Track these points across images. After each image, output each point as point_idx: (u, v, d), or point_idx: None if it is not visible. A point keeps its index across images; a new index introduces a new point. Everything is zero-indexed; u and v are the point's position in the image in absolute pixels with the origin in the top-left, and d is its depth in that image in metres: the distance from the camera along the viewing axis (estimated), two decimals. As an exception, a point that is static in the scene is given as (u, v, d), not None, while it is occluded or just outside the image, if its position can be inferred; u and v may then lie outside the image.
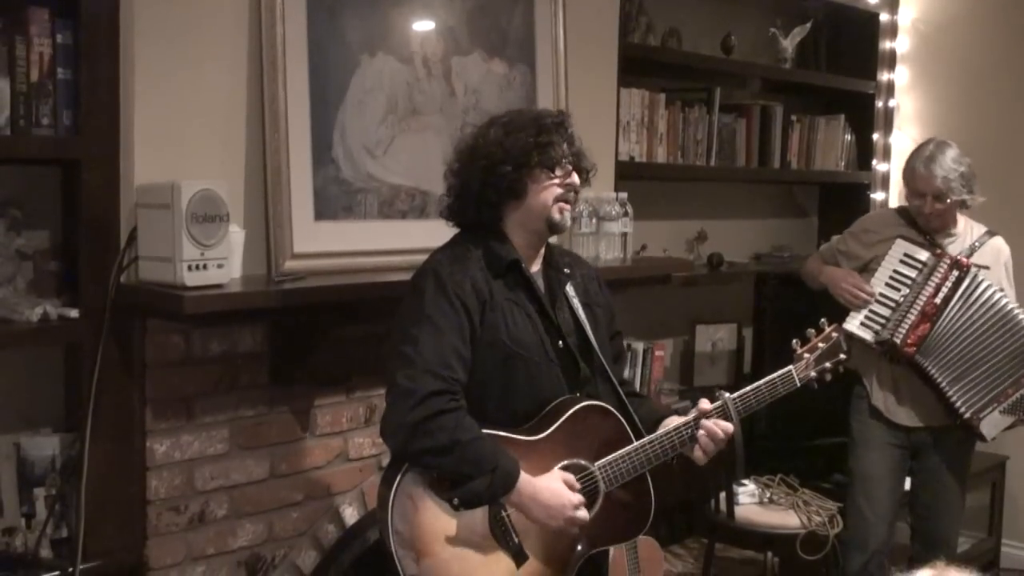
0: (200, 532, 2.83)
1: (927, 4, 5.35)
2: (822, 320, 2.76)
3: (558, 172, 2.48)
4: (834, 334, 2.71)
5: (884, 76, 5.38)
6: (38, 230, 2.63)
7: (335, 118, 2.97)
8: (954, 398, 3.54)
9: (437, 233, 3.20)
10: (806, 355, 2.67)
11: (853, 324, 3.62)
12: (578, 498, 2.39)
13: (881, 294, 3.61)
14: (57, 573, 2.53)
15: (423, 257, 3.11)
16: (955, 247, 3.64)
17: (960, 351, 3.52)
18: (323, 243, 2.93)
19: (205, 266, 2.54)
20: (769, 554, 4.03)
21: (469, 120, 3.29)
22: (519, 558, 2.40)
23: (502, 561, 2.40)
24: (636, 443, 2.50)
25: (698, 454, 2.53)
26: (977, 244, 3.64)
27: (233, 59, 2.80)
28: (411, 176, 3.16)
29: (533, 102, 3.48)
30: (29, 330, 2.48)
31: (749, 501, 4.10)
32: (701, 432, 2.51)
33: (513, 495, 2.35)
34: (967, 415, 3.54)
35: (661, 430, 2.53)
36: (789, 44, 4.94)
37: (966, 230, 3.70)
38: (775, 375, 2.65)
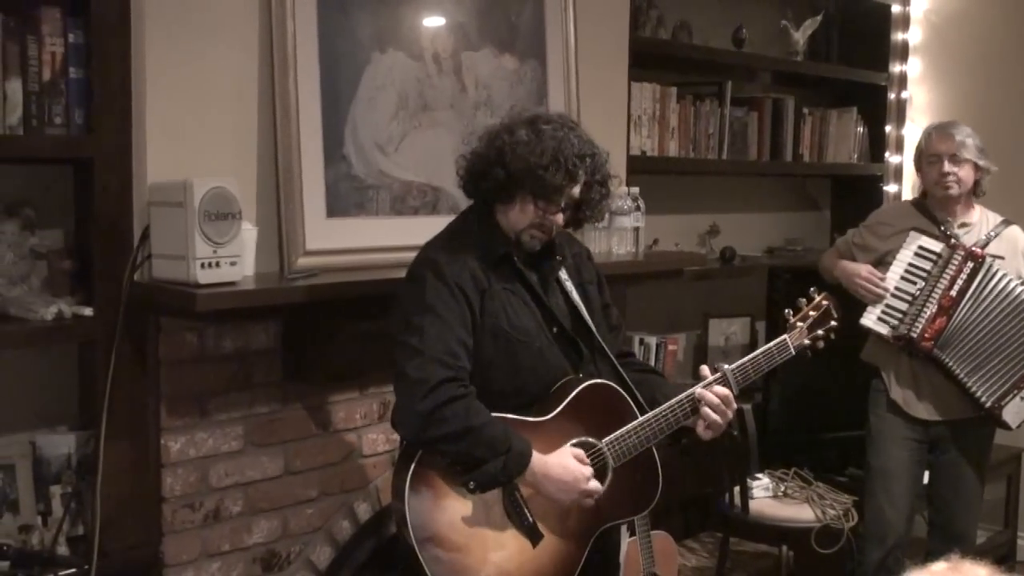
0: (215, 529, 2.84)
1: (939, -5, 5.33)
2: (812, 288, 2.82)
3: (543, 205, 2.49)
4: (824, 302, 2.78)
5: (896, 68, 5.36)
6: (52, 229, 2.64)
7: (346, 115, 2.97)
8: (974, 388, 3.53)
9: (449, 229, 3.21)
10: (799, 324, 2.74)
11: (870, 319, 3.61)
12: (589, 471, 2.43)
13: (897, 288, 3.59)
14: (74, 570, 2.53)
15: (435, 254, 3.11)
16: (970, 237, 3.63)
17: (977, 342, 3.51)
18: (335, 240, 2.93)
19: (218, 264, 2.55)
20: (784, 548, 4.02)
21: (480, 116, 3.29)
22: (534, 536, 2.43)
23: (517, 540, 2.43)
24: (641, 418, 2.53)
25: (701, 428, 2.55)
26: (992, 234, 3.63)
27: (244, 56, 2.81)
28: (423, 172, 3.16)
29: (544, 97, 3.48)
30: (44, 329, 2.49)
31: (763, 495, 4.09)
32: (704, 405, 2.53)
33: (527, 474, 2.38)
34: (988, 404, 3.54)
35: (665, 404, 2.55)
36: (800, 37, 4.93)
37: (981, 219, 3.70)
38: (771, 344, 2.71)
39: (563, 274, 2.61)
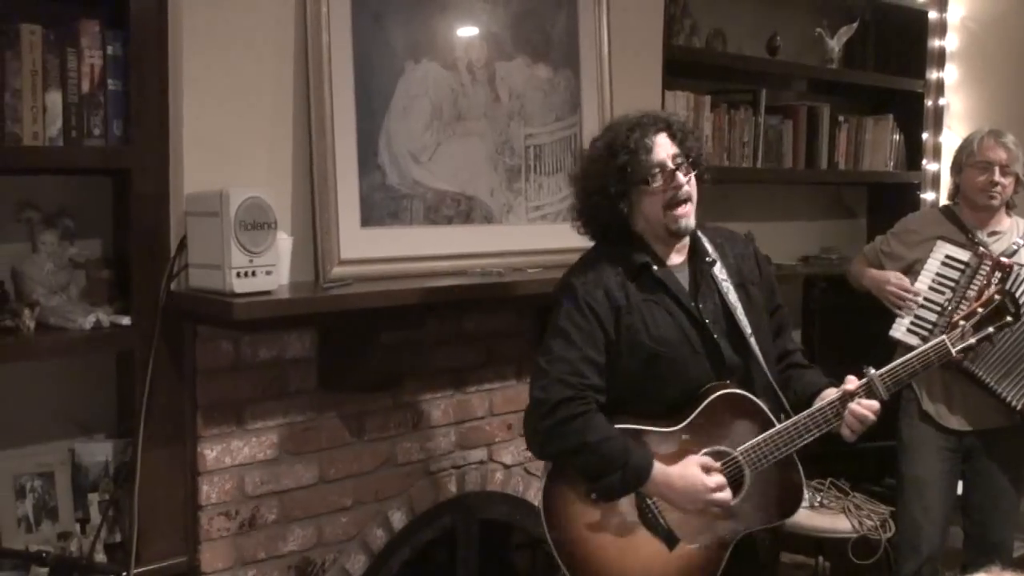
0: (251, 537, 2.85)
1: (976, 1, 5.28)
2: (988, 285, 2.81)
3: (653, 184, 2.50)
4: (996, 296, 2.69)
5: (933, 75, 5.31)
6: (90, 239, 2.68)
7: (380, 125, 2.98)
8: (1004, 394, 3.49)
9: (483, 238, 3.23)
10: (962, 323, 2.67)
11: (900, 330, 3.58)
12: (714, 481, 2.45)
13: (925, 298, 3.56)
14: (111, 577, 2.57)
15: (469, 262, 3.15)
16: (1000, 244, 3.60)
17: (1006, 349, 3.47)
18: (370, 249, 2.95)
19: (254, 273, 2.57)
20: (820, 558, 3.99)
21: (514, 125, 3.30)
22: (670, 541, 2.48)
23: (655, 545, 2.48)
24: (777, 427, 2.53)
25: (845, 431, 2.56)
26: (1022, 241, 3.59)
27: (279, 67, 2.83)
28: (456, 182, 3.17)
29: (577, 107, 3.48)
30: (82, 338, 2.52)
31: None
32: (847, 413, 2.52)
33: (649, 485, 2.44)
34: (1020, 407, 3.50)
35: (804, 412, 2.55)
36: (836, 44, 4.90)
37: (1012, 227, 3.67)
38: (927, 346, 2.66)
39: (721, 274, 2.61)
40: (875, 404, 2.55)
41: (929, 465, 3.67)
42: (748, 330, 2.57)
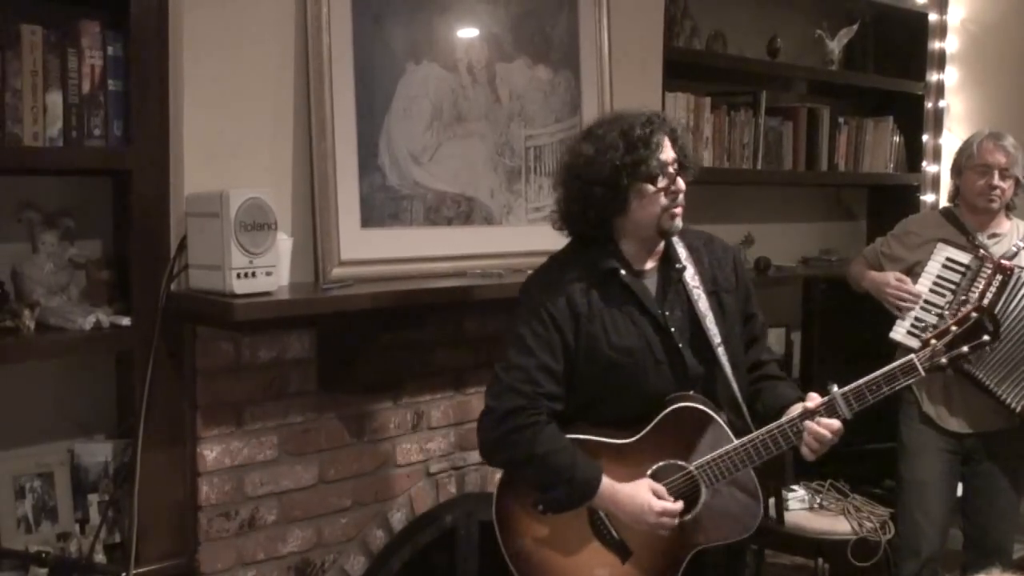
0: (250, 537, 2.85)
1: (976, 3, 5.28)
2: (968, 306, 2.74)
3: (660, 183, 2.46)
4: (974, 314, 2.55)
5: (933, 77, 5.32)
6: (90, 239, 2.68)
7: (381, 126, 2.99)
8: (1004, 396, 3.49)
9: (483, 239, 3.23)
10: (933, 341, 2.54)
11: (900, 332, 3.57)
12: (659, 505, 2.41)
13: (926, 300, 3.55)
14: (110, 578, 2.57)
15: (469, 263, 3.15)
16: (1001, 247, 3.60)
17: (1006, 352, 3.47)
18: (370, 250, 2.95)
19: (254, 274, 2.57)
20: (820, 560, 3.99)
21: (514, 126, 3.30)
22: (622, 552, 2.48)
23: (607, 555, 2.48)
24: (734, 443, 2.46)
25: (804, 450, 2.49)
26: (1022, 243, 3.60)
27: (280, 68, 2.83)
28: (456, 183, 3.17)
29: (578, 108, 3.48)
30: (82, 338, 2.52)
31: (799, 507, 4.05)
32: (806, 432, 2.45)
33: (596, 500, 2.43)
34: (1019, 410, 3.50)
35: (763, 429, 2.47)
36: (836, 46, 4.90)
37: (1012, 230, 3.67)
38: (894, 364, 2.52)
39: (693, 280, 2.54)
40: (835, 424, 2.45)
41: (929, 467, 3.67)
42: (716, 340, 2.52)
